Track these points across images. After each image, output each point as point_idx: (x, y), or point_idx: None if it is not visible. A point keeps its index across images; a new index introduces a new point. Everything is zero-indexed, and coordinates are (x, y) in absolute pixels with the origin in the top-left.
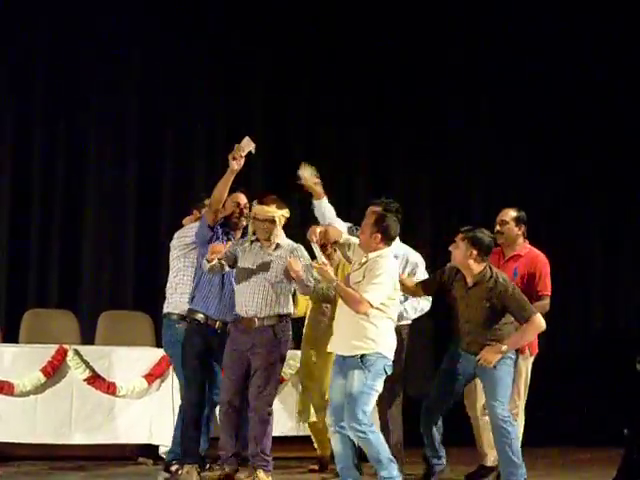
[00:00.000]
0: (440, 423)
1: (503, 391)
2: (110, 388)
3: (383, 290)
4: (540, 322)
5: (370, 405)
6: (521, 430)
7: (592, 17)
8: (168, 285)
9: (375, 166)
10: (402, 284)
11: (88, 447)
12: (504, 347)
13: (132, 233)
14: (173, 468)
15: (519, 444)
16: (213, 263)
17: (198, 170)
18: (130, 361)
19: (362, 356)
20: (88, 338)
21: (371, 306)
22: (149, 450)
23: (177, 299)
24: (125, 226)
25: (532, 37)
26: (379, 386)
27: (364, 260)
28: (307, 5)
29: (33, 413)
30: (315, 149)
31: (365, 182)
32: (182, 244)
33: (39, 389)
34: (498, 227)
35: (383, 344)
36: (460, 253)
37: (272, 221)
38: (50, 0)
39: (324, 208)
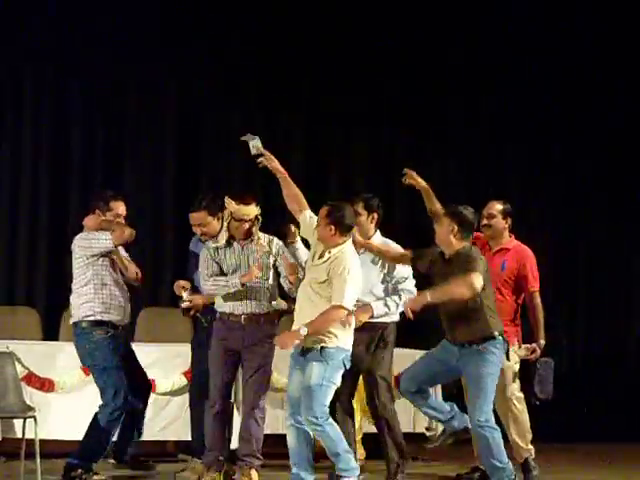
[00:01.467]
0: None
1: (483, 394)
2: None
3: (353, 290)
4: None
5: (328, 398)
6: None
7: (592, 17)
8: (76, 295)
9: (375, 166)
10: (386, 256)
11: None
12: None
13: (169, 235)
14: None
15: (501, 446)
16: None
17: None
18: (169, 358)
19: (322, 348)
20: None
21: (346, 309)
22: (190, 447)
23: (89, 306)
24: (164, 229)
25: (532, 37)
26: (337, 379)
27: (327, 256)
28: (307, 5)
29: (73, 410)
30: (315, 149)
31: (365, 182)
32: (88, 254)
33: (79, 386)
34: (485, 220)
35: (343, 337)
36: (442, 229)
37: (251, 221)
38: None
39: (298, 250)
